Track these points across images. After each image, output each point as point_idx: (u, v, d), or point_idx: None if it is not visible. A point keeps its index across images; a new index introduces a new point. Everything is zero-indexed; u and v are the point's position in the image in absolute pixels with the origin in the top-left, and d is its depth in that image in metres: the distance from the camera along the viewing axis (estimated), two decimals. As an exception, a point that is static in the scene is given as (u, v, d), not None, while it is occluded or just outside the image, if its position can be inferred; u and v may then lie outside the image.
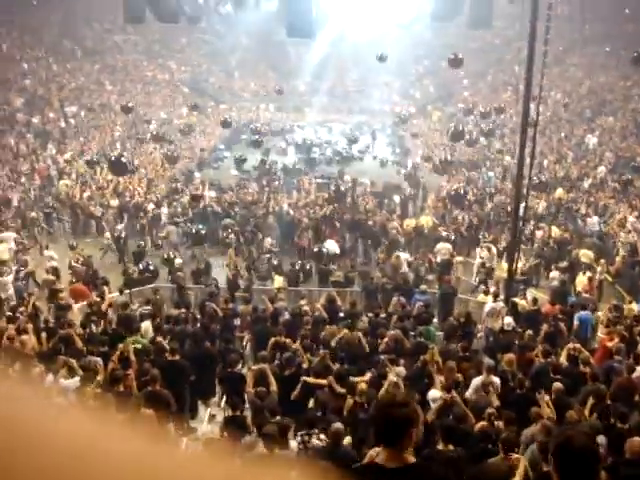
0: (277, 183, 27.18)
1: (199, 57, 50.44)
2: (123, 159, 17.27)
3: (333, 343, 11.30)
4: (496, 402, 8.64)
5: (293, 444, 7.58)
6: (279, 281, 16.11)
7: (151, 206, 22.37)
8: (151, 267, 17.24)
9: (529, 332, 11.90)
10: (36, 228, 21.49)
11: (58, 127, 33.67)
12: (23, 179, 25.92)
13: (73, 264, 16.95)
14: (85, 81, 40.80)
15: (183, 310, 13.04)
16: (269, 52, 48.37)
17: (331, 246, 18.89)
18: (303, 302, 13.81)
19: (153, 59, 48.02)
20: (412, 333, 12.18)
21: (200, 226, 19.65)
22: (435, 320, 14.21)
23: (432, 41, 45.03)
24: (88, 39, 45.88)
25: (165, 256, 18.26)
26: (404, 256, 18.10)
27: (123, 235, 19.94)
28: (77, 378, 8.95)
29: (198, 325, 12.43)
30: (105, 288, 14.61)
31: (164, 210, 22.36)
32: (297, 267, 17.59)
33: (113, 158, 17.60)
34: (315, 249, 18.60)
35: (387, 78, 47.21)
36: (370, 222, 20.82)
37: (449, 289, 15.71)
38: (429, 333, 12.20)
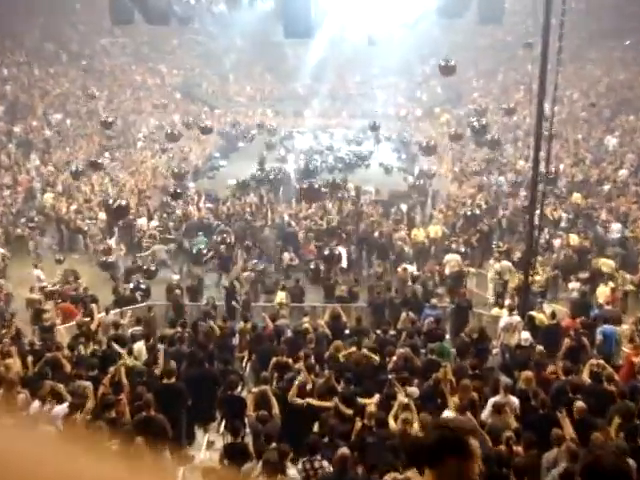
0: (276, 193, 27.21)
1: (191, 60, 50.62)
2: (123, 203, 17.08)
3: (341, 358, 11.29)
4: (514, 424, 8.59)
5: (293, 471, 7.56)
6: (281, 297, 16.09)
7: (142, 220, 22.37)
8: (142, 286, 17.23)
9: (540, 347, 11.85)
10: (30, 242, 21.56)
11: (42, 136, 33.73)
12: (5, 192, 25.94)
13: (49, 289, 16.79)
14: (70, 87, 40.94)
15: (179, 329, 13.02)
16: (265, 54, 48.56)
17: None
18: (306, 319, 13.81)
19: (142, 63, 48.21)
20: (423, 350, 12.16)
21: (202, 246, 19.61)
22: (447, 336, 14.18)
23: (439, 39, 45.07)
24: (73, 42, 46.07)
25: (145, 267, 18.28)
26: (411, 269, 18.11)
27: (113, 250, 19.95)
28: (65, 404, 8.92)
29: (195, 345, 12.39)
30: (94, 306, 14.57)
31: (153, 223, 22.35)
32: (312, 265, 17.61)
33: (111, 202, 17.40)
34: (326, 251, 18.56)
35: (391, 79, 47.43)
36: (376, 233, 20.80)
37: (464, 302, 15.67)
38: (443, 350, 12.15)
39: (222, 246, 19.73)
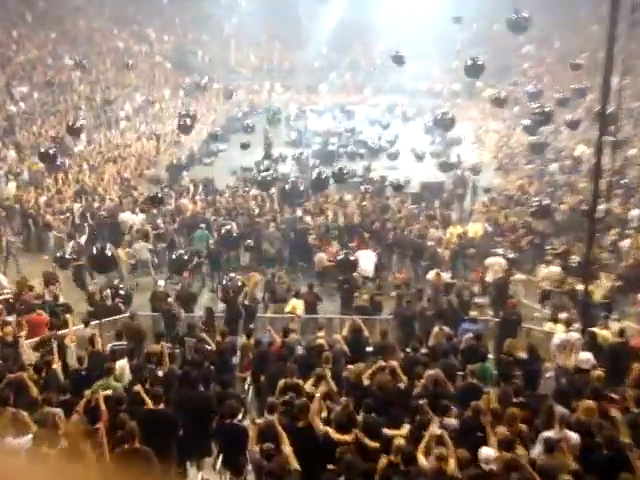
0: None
1: (185, 23, 50.67)
2: (108, 253, 16.70)
3: (366, 381, 11.22)
4: (573, 465, 8.49)
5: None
6: (295, 305, 16.03)
7: (126, 214, 22.29)
8: (121, 291, 17.21)
9: (598, 372, 11.73)
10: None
11: (4, 112, 33.81)
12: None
13: (2, 297, 16.65)
14: (38, 53, 40.98)
15: (168, 345, 12.99)
16: (274, 16, 48.51)
17: (365, 262, 18.70)
18: (321, 334, 13.74)
19: (126, 26, 48.26)
20: (460, 373, 12.09)
21: (181, 251, 19.43)
22: (490, 356, 14.09)
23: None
24: (41, 0, 46.05)
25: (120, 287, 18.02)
26: (445, 275, 18.05)
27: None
28: (30, 435, 8.88)
29: (186, 363, 12.38)
30: (68, 317, 14.53)
31: (134, 217, 22.33)
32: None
33: (95, 251, 16.92)
34: (340, 256, 18.33)
35: (424, 48, 47.29)
36: (405, 232, 20.71)
37: (513, 315, 15.50)
38: (485, 372, 12.07)
39: (211, 241, 19.81)
